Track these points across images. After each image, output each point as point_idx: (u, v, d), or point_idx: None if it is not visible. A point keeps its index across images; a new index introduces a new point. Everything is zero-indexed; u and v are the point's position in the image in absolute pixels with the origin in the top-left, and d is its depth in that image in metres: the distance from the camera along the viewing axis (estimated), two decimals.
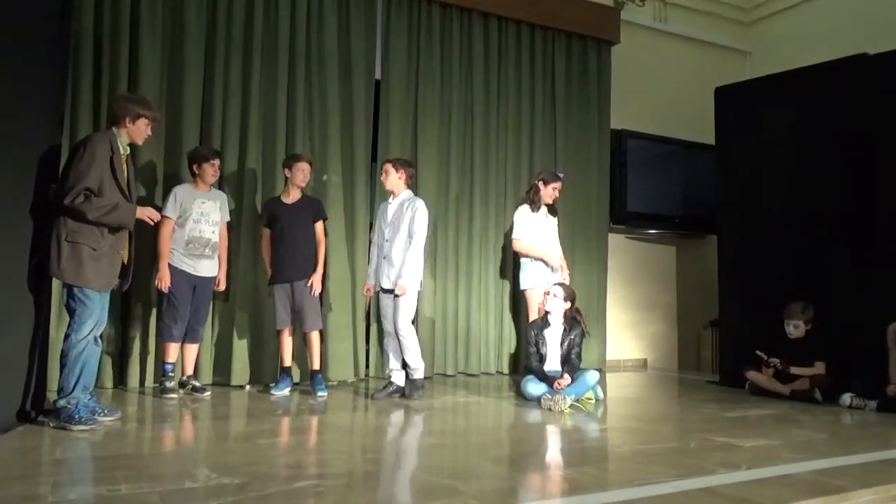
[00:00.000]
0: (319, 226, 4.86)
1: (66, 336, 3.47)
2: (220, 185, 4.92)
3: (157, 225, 4.24)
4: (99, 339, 3.65)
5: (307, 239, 4.77)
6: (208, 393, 4.54)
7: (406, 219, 4.60)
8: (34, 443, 3.12)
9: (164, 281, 4.42)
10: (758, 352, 5.04)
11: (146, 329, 4.79)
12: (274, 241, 4.77)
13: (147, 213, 3.72)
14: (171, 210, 4.48)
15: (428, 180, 5.85)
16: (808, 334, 5.03)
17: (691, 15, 7.67)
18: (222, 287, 4.76)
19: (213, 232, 4.60)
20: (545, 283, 5.28)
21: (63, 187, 3.39)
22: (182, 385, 4.58)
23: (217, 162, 4.66)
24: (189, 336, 4.55)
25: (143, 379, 4.78)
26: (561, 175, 5.63)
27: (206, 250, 4.56)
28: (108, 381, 4.64)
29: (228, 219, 4.80)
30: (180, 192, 4.56)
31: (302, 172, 4.77)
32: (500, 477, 2.71)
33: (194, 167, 4.60)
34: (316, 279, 4.74)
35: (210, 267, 4.61)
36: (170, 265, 4.46)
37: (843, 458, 3.07)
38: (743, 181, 5.82)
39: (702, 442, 3.39)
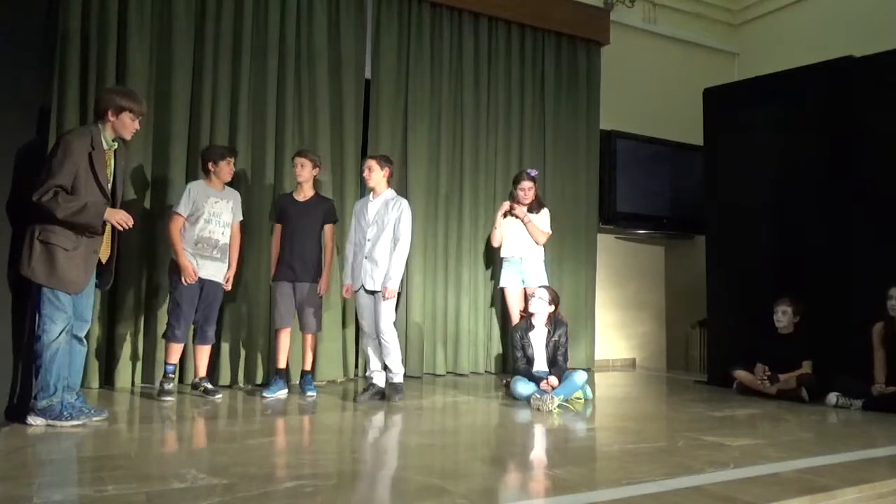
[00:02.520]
0: (328, 228, 4.80)
1: (38, 338, 3.40)
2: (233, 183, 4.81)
3: (169, 221, 4.34)
4: (84, 339, 3.62)
5: (315, 240, 4.71)
6: (220, 396, 4.44)
7: (391, 219, 4.50)
8: (20, 443, 3.09)
9: (188, 272, 4.28)
10: (767, 371, 5.00)
11: (135, 328, 4.76)
12: (283, 237, 4.71)
13: (117, 218, 3.47)
14: (183, 207, 4.36)
15: (417, 179, 5.85)
16: (797, 330, 5.07)
17: (680, 16, 7.71)
18: (228, 287, 4.62)
19: (223, 233, 4.49)
20: (510, 282, 5.50)
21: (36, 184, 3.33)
22: (194, 387, 4.53)
23: (233, 159, 4.57)
24: (198, 337, 4.48)
25: (132, 379, 4.74)
26: (529, 171, 5.56)
27: (215, 252, 4.44)
28: (95, 381, 4.59)
29: (241, 218, 4.68)
30: (194, 189, 4.44)
31: (297, 167, 4.70)
32: (489, 476, 2.72)
33: (209, 165, 4.49)
34: (323, 282, 4.70)
35: (216, 270, 4.46)
36: (178, 263, 4.32)
37: (829, 457, 3.10)
38: (731, 182, 5.85)
39: (690, 441, 3.41)
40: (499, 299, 6.11)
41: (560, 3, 6.62)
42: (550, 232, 5.55)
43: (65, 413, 3.40)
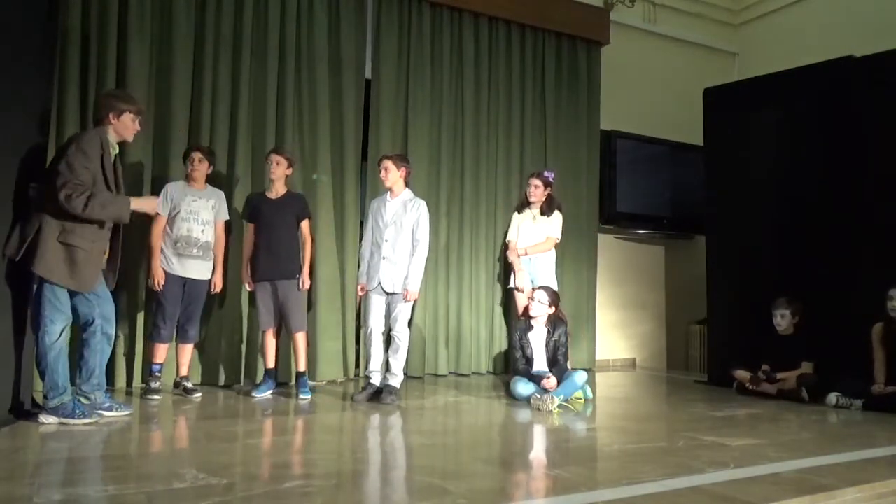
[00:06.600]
0: (305, 224, 4.74)
1: (40, 340, 3.41)
2: (218, 183, 4.82)
3: (150, 222, 4.33)
4: (111, 338, 3.69)
5: (290, 237, 4.64)
6: (199, 395, 4.47)
7: (410, 220, 4.51)
8: (21, 443, 3.10)
9: (156, 279, 4.36)
10: (763, 368, 5.02)
11: (133, 328, 4.75)
12: (256, 237, 4.65)
13: (147, 205, 3.72)
14: (161, 207, 4.38)
15: (418, 179, 5.82)
16: (797, 330, 5.07)
17: (680, 16, 7.71)
18: (218, 288, 4.64)
19: (203, 231, 4.49)
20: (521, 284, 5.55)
21: (55, 183, 3.31)
22: (175, 385, 4.55)
23: (198, 155, 4.52)
24: (180, 336, 4.49)
25: (130, 379, 4.74)
26: (543, 172, 5.69)
27: (195, 250, 4.45)
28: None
29: (226, 217, 4.69)
30: (172, 188, 4.50)
31: (272, 164, 4.62)
32: (490, 477, 2.72)
33: (186, 163, 4.57)
34: (305, 278, 4.65)
35: (200, 269, 4.48)
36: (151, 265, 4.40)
37: (829, 457, 3.10)
38: (731, 182, 5.85)
39: (690, 441, 3.41)
40: (509, 300, 6.10)
41: (560, 3, 6.62)
42: (558, 237, 5.62)
43: (77, 411, 3.43)
